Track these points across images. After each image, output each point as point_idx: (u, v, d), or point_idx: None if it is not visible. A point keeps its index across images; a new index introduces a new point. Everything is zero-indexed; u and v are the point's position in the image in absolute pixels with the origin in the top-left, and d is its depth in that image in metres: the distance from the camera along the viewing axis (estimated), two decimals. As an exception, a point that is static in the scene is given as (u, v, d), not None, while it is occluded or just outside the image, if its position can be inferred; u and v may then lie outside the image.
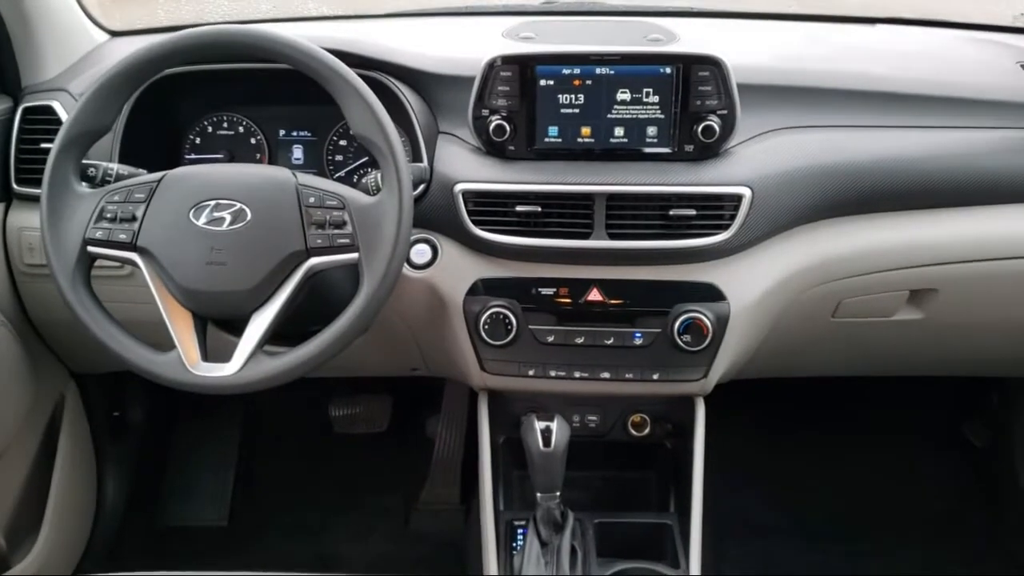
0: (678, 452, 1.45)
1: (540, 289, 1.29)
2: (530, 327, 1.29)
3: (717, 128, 1.24)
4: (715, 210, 1.24)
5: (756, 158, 1.29)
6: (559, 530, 1.31)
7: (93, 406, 1.78)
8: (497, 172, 1.28)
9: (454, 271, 1.30)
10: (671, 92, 1.24)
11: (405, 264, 1.27)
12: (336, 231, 1.10)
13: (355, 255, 1.10)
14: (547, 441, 1.24)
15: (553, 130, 1.28)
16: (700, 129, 1.24)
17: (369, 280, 1.10)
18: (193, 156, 1.48)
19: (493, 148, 1.29)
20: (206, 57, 1.19)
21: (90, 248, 1.13)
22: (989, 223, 1.36)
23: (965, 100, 1.38)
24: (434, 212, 1.29)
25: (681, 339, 1.27)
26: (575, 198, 1.25)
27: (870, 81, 1.40)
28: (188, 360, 1.12)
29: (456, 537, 1.92)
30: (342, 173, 1.47)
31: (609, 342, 1.29)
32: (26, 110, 1.42)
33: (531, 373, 1.32)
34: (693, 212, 1.24)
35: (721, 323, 1.27)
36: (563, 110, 1.26)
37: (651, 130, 1.26)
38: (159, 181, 1.14)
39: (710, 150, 1.27)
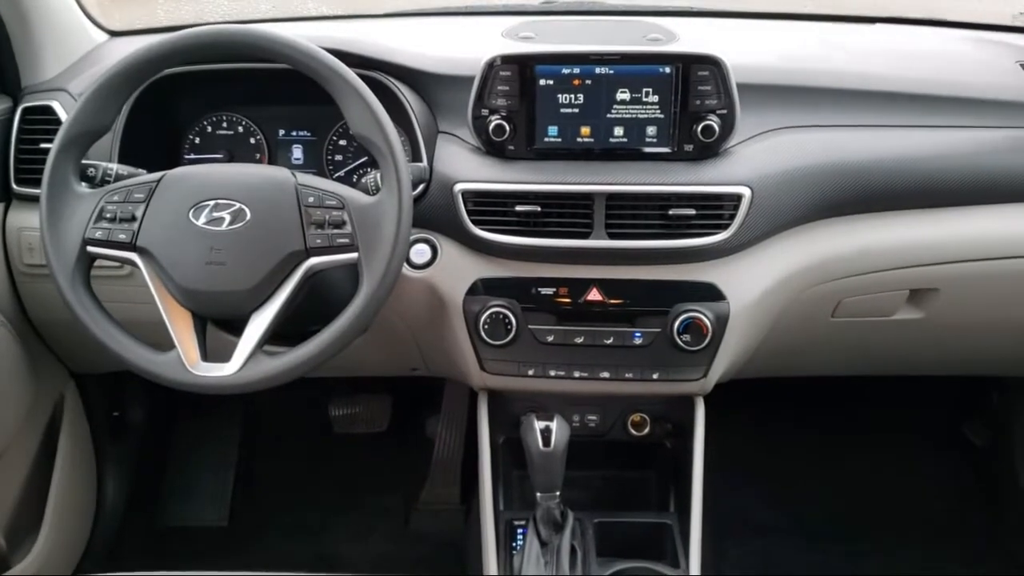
0: (678, 452, 1.45)
1: (540, 289, 1.29)
2: (530, 327, 1.29)
3: (717, 128, 1.24)
4: (715, 210, 1.24)
5: (756, 158, 1.29)
6: (559, 530, 1.31)
7: (93, 406, 1.78)
8: (497, 172, 1.28)
9: (454, 271, 1.30)
10: (671, 92, 1.24)
11: (405, 264, 1.27)
12: (335, 231, 1.10)
13: (354, 255, 1.10)
14: (547, 441, 1.24)
15: (553, 130, 1.28)
16: (700, 129, 1.24)
17: (368, 280, 1.10)
18: (193, 156, 1.48)
19: (493, 148, 1.29)
20: (206, 57, 1.19)
21: (89, 248, 1.13)
22: (989, 223, 1.36)
23: (965, 100, 1.38)
24: (434, 212, 1.29)
25: (681, 339, 1.27)
26: (575, 198, 1.25)
27: (870, 81, 1.40)
28: (188, 360, 1.12)
29: (456, 537, 1.93)
30: (342, 173, 1.47)
31: (609, 342, 1.29)
32: (26, 110, 1.42)
33: (531, 373, 1.32)
34: (693, 212, 1.24)
35: (721, 323, 1.27)
36: (563, 110, 1.26)
37: (651, 130, 1.26)
38: (158, 181, 1.14)
39: (710, 150, 1.27)
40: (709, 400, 1.39)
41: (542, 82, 1.25)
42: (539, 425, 1.25)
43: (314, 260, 1.11)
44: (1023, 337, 1.53)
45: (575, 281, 1.28)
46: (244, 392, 1.12)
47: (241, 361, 1.10)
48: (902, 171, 1.31)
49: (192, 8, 1.88)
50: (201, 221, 1.11)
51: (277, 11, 1.84)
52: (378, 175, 1.15)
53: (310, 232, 1.10)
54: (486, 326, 1.28)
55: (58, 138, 1.14)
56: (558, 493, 1.28)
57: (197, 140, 1.48)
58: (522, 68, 1.25)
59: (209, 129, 1.48)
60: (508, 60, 1.25)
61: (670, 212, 1.24)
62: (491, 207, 1.26)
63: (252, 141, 1.48)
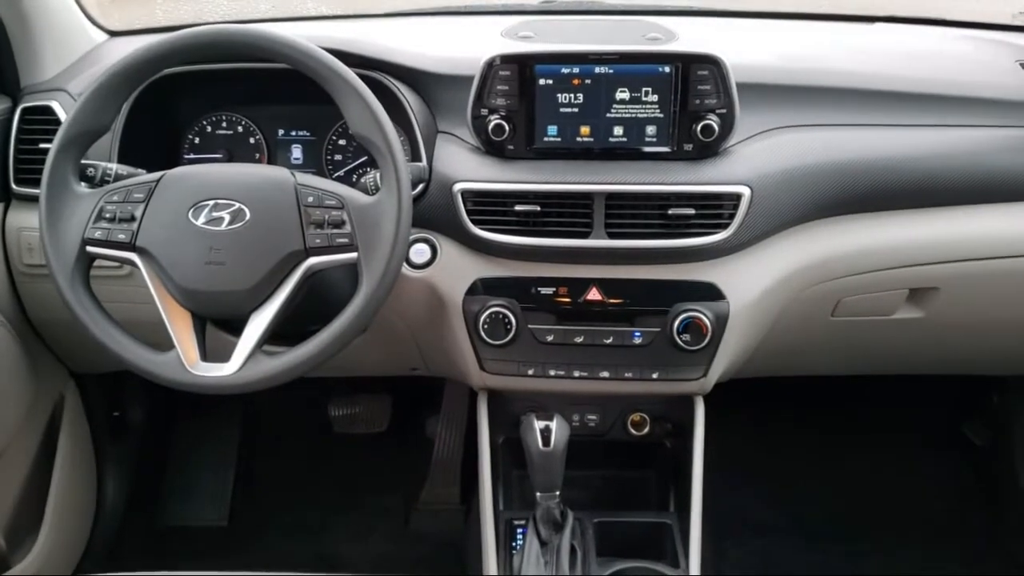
0: (677, 451, 1.45)
1: (539, 288, 1.29)
2: (529, 326, 1.29)
3: (716, 127, 1.24)
4: (714, 209, 1.24)
5: (755, 157, 1.28)
6: (559, 529, 1.31)
7: (93, 406, 1.78)
8: (496, 171, 1.28)
9: (453, 271, 1.30)
10: (670, 91, 1.24)
11: (404, 264, 1.27)
12: (335, 231, 1.10)
13: (354, 255, 1.10)
14: (546, 440, 1.24)
15: (552, 129, 1.27)
16: (699, 128, 1.24)
17: (368, 280, 1.10)
18: (192, 156, 1.48)
19: (492, 147, 1.29)
20: (205, 57, 1.19)
21: (89, 248, 1.13)
22: (989, 222, 1.36)
23: (964, 99, 1.38)
24: (433, 212, 1.29)
25: (680, 338, 1.27)
26: (574, 197, 1.25)
27: (869, 80, 1.40)
28: (187, 360, 1.12)
29: (456, 537, 1.92)
30: (341, 173, 1.47)
31: (608, 341, 1.29)
32: (25, 110, 1.42)
33: (530, 372, 1.32)
34: (692, 211, 1.24)
35: (720, 322, 1.27)
36: (562, 109, 1.26)
37: (650, 129, 1.26)
38: (158, 181, 1.14)
39: (709, 149, 1.27)
40: (709, 400, 1.39)
41: (541, 82, 1.25)
42: (539, 425, 1.25)
43: (313, 260, 1.11)
44: (1023, 336, 1.53)
45: (575, 281, 1.28)
46: (243, 392, 1.12)
47: (240, 361, 1.10)
48: (902, 170, 1.31)
49: (191, 8, 1.88)
50: (200, 221, 1.11)
51: (276, 11, 1.84)
52: (377, 175, 1.15)
53: (309, 232, 1.10)
54: (486, 326, 1.28)
55: (57, 138, 1.14)
56: (558, 493, 1.28)
57: (196, 140, 1.48)
58: (521, 68, 1.25)
59: (208, 129, 1.48)
60: (507, 60, 1.25)
61: (670, 212, 1.24)
62: (491, 207, 1.26)
63: (251, 141, 1.48)
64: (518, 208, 1.25)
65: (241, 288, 1.10)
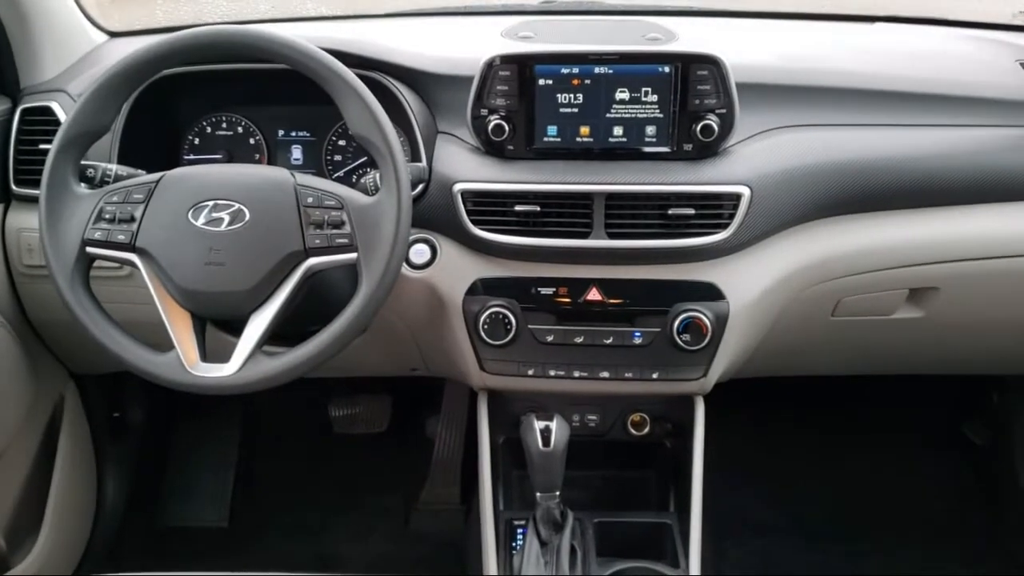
0: (678, 451, 1.45)
1: (539, 289, 1.29)
2: (529, 327, 1.29)
3: (716, 127, 1.24)
4: (714, 209, 1.24)
5: (755, 157, 1.28)
6: (559, 530, 1.31)
7: (93, 406, 1.78)
8: (496, 172, 1.28)
9: (453, 271, 1.30)
10: (670, 91, 1.24)
11: (404, 264, 1.27)
12: (334, 231, 1.10)
13: (353, 255, 1.10)
14: (546, 441, 1.24)
15: (552, 129, 1.27)
16: (699, 128, 1.24)
17: (368, 280, 1.10)
18: (192, 156, 1.48)
19: (492, 148, 1.29)
20: (205, 57, 1.19)
21: (89, 249, 1.13)
22: (989, 221, 1.36)
23: (964, 98, 1.38)
24: (433, 212, 1.28)
25: (680, 338, 1.27)
26: (574, 197, 1.25)
27: (869, 80, 1.40)
28: (187, 360, 1.12)
29: (456, 537, 1.93)
30: (341, 173, 1.47)
31: (608, 341, 1.29)
32: (25, 111, 1.42)
33: (530, 373, 1.32)
34: (692, 211, 1.24)
35: (720, 322, 1.27)
36: (562, 109, 1.26)
37: (650, 129, 1.26)
38: (158, 182, 1.14)
39: (709, 149, 1.27)
40: (709, 400, 1.39)
41: (541, 82, 1.25)
42: (539, 425, 1.25)
43: (313, 260, 1.11)
44: (1023, 336, 1.53)
45: (575, 281, 1.28)
46: (243, 392, 1.12)
47: (240, 361, 1.10)
48: (902, 170, 1.31)
49: (191, 9, 1.88)
50: (200, 221, 1.11)
51: (276, 11, 1.84)
52: (377, 175, 1.15)
53: (309, 232, 1.10)
54: (486, 326, 1.28)
55: (57, 139, 1.14)
56: (558, 493, 1.28)
57: (196, 140, 1.48)
58: (521, 68, 1.25)
59: (208, 129, 1.48)
60: (507, 60, 1.25)
61: (669, 212, 1.24)
62: (490, 207, 1.26)
63: (251, 141, 1.48)
64: (518, 208, 1.25)
65: (241, 289, 1.10)
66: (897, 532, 1.92)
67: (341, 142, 1.46)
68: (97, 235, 1.12)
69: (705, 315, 1.26)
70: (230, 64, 1.33)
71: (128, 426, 1.94)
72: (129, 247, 1.12)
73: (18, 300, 1.48)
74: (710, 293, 1.27)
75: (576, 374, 1.31)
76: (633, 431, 1.46)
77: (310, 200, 1.11)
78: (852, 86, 1.38)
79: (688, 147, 1.26)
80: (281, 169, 1.17)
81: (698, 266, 1.27)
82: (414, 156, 1.32)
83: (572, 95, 1.26)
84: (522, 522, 1.39)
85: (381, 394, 2.12)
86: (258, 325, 1.11)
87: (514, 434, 1.38)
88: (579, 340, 1.29)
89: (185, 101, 1.45)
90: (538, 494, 1.28)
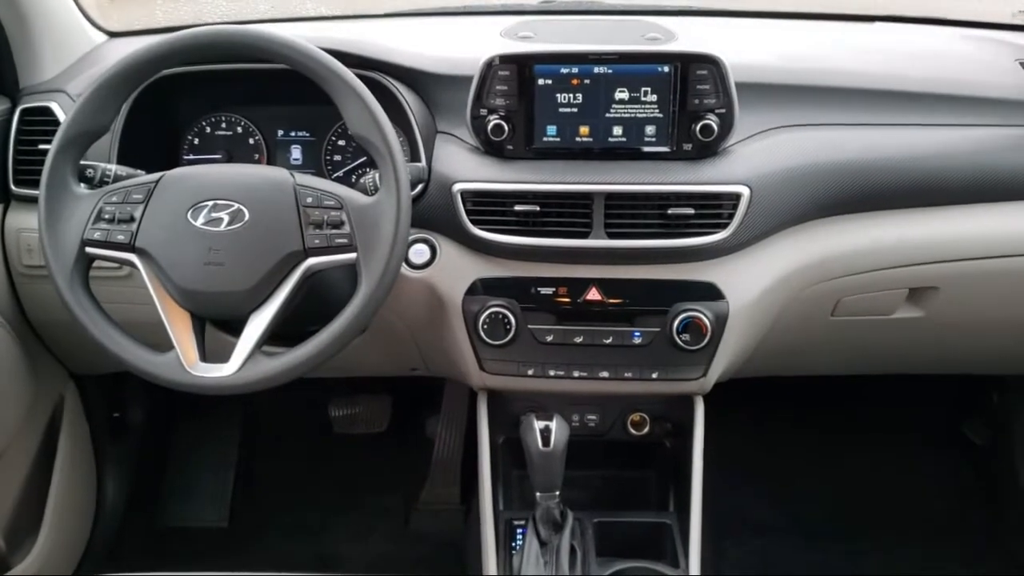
0: (677, 451, 1.45)
1: (539, 289, 1.29)
2: (529, 327, 1.29)
3: (715, 127, 1.24)
4: (714, 209, 1.24)
5: (755, 157, 1.28)
6: (558, 529, 1.31)
7: (92, 407, 1.78)
8: (495, 172, 1.27)
9: (453, 271, 1.30)
10: (669, 91, 1.24)
11: (404, 264, 1.27)
12: (334, 231, 1.10)
13: (353, 255, 1.10)
14: (546, 441, 1.24)
15: (551, 129, 1.27)
16: (698, 128, 1.24)
17: (367, 280, 1.10)
18: (191, 156, 1.48)
19: (491, 147, 1.29)
20: (204, 57, 1.19)
21: (88, 249, 1.13)
22: (989, 221, 1.36)
23: (964, 98, 1.38)
24: (433, 212, 1.28)
25: (680, 338, 1.27)
26: (574, 197, 1.25)
27: (869, 79, 1.40)
28: (186, 360, 1.11)
29: (456, 537, 1.93)
30: (340, 173, 1.47)
31: (608, 341, 1.29)
32: (24, 111, 1.42)
33: (530, 373, 1.32)
34: (692, 211, 1.24)
35: (720, 322, 1.27)
36: (561, 109, 1.26)
37: (649, 129, 1.26)
38: (157, 182, 1.14)
39: (708, 149, 1.27)
40: (708, 399, 1.39)
41: (541, 82, 1.25)
42: (539, 425, 1.25)
43: (312, 260, 1.11)
44: (1023, 335, 1.53)
45: (574, 281, 1.28)
46: (243, 392, 1.12)
47: (240, 362, 1.10)
48: (901, 170, 1.31)
49: (191, 9, 1.88)
50: (199, 222, 1.11)
51: (276, 11, 1.84)
52: (376, 175, 1.15)
53: (308, 232, 1.10)
54: (485, 326, 1.28)
55: (56, 139, 1.14)
56: (558, 493, 1.28)
57: (196, 141, 1.48)
58: (521, 68, 1.25)
59: (208, 130, 1.48)
60: (507, 60, 1.24)
61: (669, 211, 1.24)
62: (490, 207, 1.26)
63: (251, 141, 1.48)
64: (517, 208, 1.25)
65: (240, 288, 1.10)
66: (897, 531, 1.92)
67: (341, 142, 1.46)
68: (96, 235, 1.12)
69: (705, 315, 1.26)
70: (230, 64, 1.33)
71: (128, 426, 1.94)
72: (128, 247, 1.12)
73: (18, 300, 1.48)
74: (710, 293, 1.27)
75: (576, 374, 1.31)
76: (633, 431, 1.46)
77: (309, 200, 1.11)
78: (852, 86, 1.38)
79: (688, 147, 1.26)
80: (280, 169, 1.17)
81: (698, 266, 1.27)
82: (413, 156, 1.32)
83: (571, 95, 1.26)
84: (522, 522, 1.39)
85: (381, 394, 2.12)
86: (257, 325, 1.11)
87: (514, 434, 1.38)
88: (579, 340, 1.29)
89: (185, 101, 1.45)
90: (538, 494, 1.28)
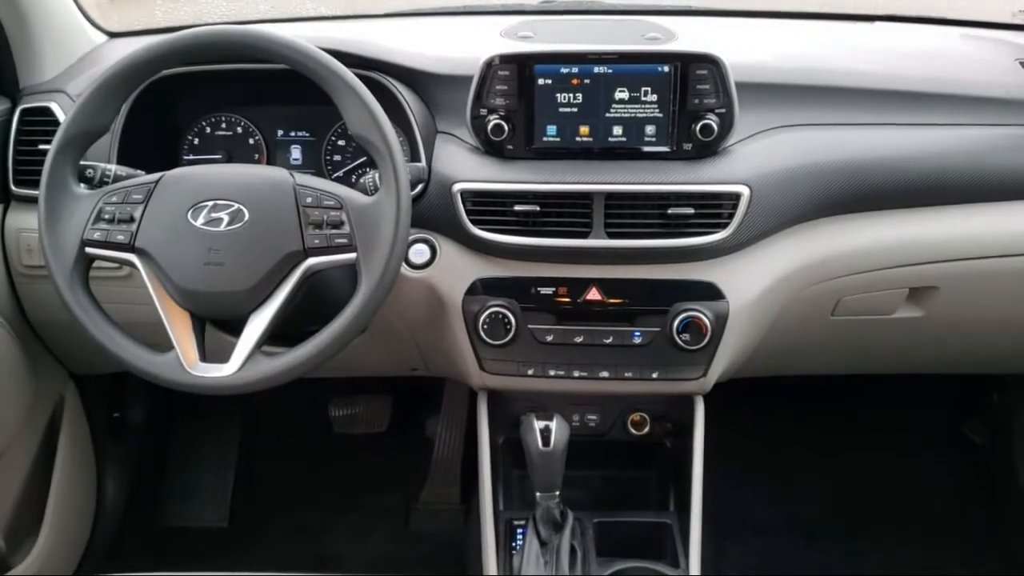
0: (677, 451, 1.45)
1: (539, 288, 1.29)
2: (529, 327, 1.29)
3: (715, 126, 1.24)
4: (714, 208, 1.24)
5: (755, 156, 1.28)
6: (558, 529, 1.31)
7: (93, 407, 1.78)
8: (495, 171, 1.27)
9: (453, 271, 1.30)
10: (669, 91, 1.24)
11: (404, 264, 1.27)
12: (334, 231, 1.10)
13: (353, 255, 1.10)
14: (546, 440, 1.24)
15: (551, 129, 1.27)
16: (698, 128, 1.24)
17: (367, 280, 1.10)
18: (191, 157, 1.48)
19: (491, 147, 1.29)
20: (204, 57, 1.19)
21: (88, 249, 1.13)
22: (990, 220, 1.36)
23: (964, 97, 1.38)
24: (432, 212, 1.28)
25: (680, 338, 1.27)
26: (574, 197, 1.25)
27: (869, 79, 1.40)
28: (186, 360, 1.11)
29: (456, 537, 1.92)
30: (340, 173, 1.47)
31: (608, 341, 1.29)
32: (24, 111, 1.42)
33: (530, 372, 1.32)
34: (691, 211, 1.24)
35: (720, 322, 1.27)
36: (561, 109, 1.26)
37: (649, 129, 1.26)
38: (157, 182, 1.14)
39: (708, 148, 1.26)
40: (709, 399, 1.39)
41: (541, 81, 1.25)
42: (539, 425, 1.25)
43: (312, 260, 1.11)
44: (1023, 335, 1.53)
45: (574, 281, 1.28)
46: (243, 392, 1.12)
47: (240, 362, 1.10)
48: (901, 169, 1.31)
49: (190, 9, 1.88)
50: (199, 222, 1.11)
51: (275, 11, 1.84)
52: (376, 175, 1.15)
53: (308, 232, 1.10)
54: (485, 326, 1.28)
55: (56, 139, 1.14)
56: (558, 493, 1.28)
57: (196, 141, 1.48)
58: (521, 67, 1.25)
59: (208, 130, 1.48)
60: (507, 59, 1.24)
61: (669, 211, 1.24)
62: (490, 207, 1.26)
63: (251, 142, 1.48)
64: (517, 208, 1.25)
65: (240, 289, 1.10)
66: (897, 531, 1.92)
67: (340, 142, 1.46)
68: (96, 235, 1.12)
69: (705, 315, 1.26)
70: (229, 64, 1.33)
71: (128, 426, 1.94)
72: (128, 247, 1.12)
73: (18, 300, 1.48)
74: (710, 293, 1.27)
75: (576, 374, 1.31)
76: (633, 431, 1.46)
77: (309, 200, 1.11)
78: (852, 85, 1.38)
79: (688, 147, 1.26)
80: (280, 169, 1.17)
81: (698, 266, 1.27)
82: (413, 156, 1.32)
83: (571, 95, 1.26)
84: (522, 522, 1.39)
85: (381, 394, 2.12)
86: (257, 325, 1.11)
87: (514, 434, 1.38)
88: (579, 340, 1.29)
89: (184, 101, 1.45)
90: (538, 494, 1.28)
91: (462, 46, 1.47)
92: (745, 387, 1.57)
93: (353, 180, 1.45)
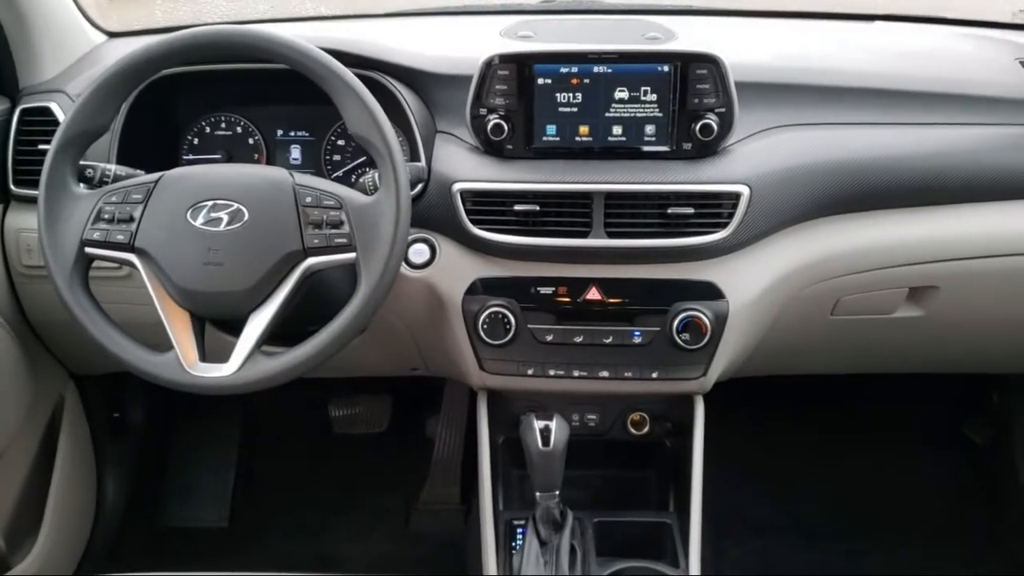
0: (677, 451, 1.45)
1: (539, 288, 1.29)
2: (529, 326, 1.29)
3: (715, 126, 1.24)
4: (713, 208, 1.24)
5: (754, 156, 1.28)
6: (558, 529, 1.31)
7: (92, 407, 1.78)
8: (495, 171, 1.27)
9: (452, 271, 1.30)
10: (669, 90, 1.24)
11: (403, 264, 1.27)
12: (333, 231, 1.10)
13: (352, 255, 1.10)
14: (546, 440, 1.24)
15: (551, 129, 1.27)
16: (698, 127, 1.24)
17: (367, 280, 1.10)
18: (191, 156, 1.48)
19: (491, 147, 1.29)
20: (204, 57, 1.19)
21: (87, 249, 1.13)
22: (990, 220, 1.35)
23: (964, 97, 1.38)
24: (432, 212, 1.28)
25: (680, 337, 1.27)
26: (573, 197, 1.25)
27: (869, 78, 1.39)
28: (186, 360, 1.11)
29: (456, 537, 1.92)
30: (340, 173, 1.47)
31: (608, 341, 1.29)
32: (24, 111, 1.42)
33: (530, 372, 1.32)
34: (691, 210, 1.23)
35: (720, 321, 1.27)
36: (561, 109, 1.26)
37: (649, 128, 1.26)
38: (156, 182, 1.14)
39: (708, 148, 1.26)
40: (708, 399, 1.39)
41: (540, 81, 1.25)
42: (538, 425, 1.25)
43: (312, 260, 1.11)
44: (1023, 335, 1.53)
45: (574, 280, 1.28)
46: (242, 392, 1.12)
47: (239, 361, 1.10)
48: (901, 169, 1.31)
49: (190, 9, 1.88)
50: (199, 222, 1.11)
51: (275, 11, 1.84)
52: (376, 175, 1.15)
53: (308, 232, 1.10)
54: (485, 326, 1.28)
55: (56, 139, 1.14)
56: (557, 493, 1.28)
57: (195, 141, 1.48)
58: (520, 67, 1.25)
59: (207, 129, 1.48)
60: (506, 59, 1.24)
61: (669, 211, 1.24)
62: (490, 206, 1.26)
63: (250, 141, 1.48)
64: (517, 208, 1.25)
65: (239, 288, 1.10)
66: (897, 531, 1.92)
67: (340, 142, 1.46)
68: (96, 235, 1.12)
69: (704, 314, 1.26)
70: (229, 64, 1.33)
71: (128, 426, 1.94)
72: (128, 247, 1.12)
73: (17, 301, 1.48)
74: (709, 292, 1.27)
75: (576, 373, 1.31)
76: (633, 430, 1.46)
77: (309, 200, 1.11)
78: (851, 85, 1.38)
79: (687, 146, 1.26)
80: (280, 169, 1.17)
81: (697, 265, 1.27)
82: (413, 156, 1.32)
83: (571, 94, 1.26)
84: (522, 522, 1.39)
85: (381, 394, 2.12)
86: (257, 325, 1.11)
87: (514, 434, 1.38)
88: (579, 340, 1.29)
89: (184, 101, 1.45)
90: (538, 494, 1.28)
91: (462, 46, 1.47)
92: (745, 387, 1.57)
93: (353, 180, 1.44)
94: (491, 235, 1.26)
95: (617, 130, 1.27)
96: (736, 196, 1.24)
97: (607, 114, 1.26)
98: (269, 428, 2.18)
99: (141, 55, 1.13)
